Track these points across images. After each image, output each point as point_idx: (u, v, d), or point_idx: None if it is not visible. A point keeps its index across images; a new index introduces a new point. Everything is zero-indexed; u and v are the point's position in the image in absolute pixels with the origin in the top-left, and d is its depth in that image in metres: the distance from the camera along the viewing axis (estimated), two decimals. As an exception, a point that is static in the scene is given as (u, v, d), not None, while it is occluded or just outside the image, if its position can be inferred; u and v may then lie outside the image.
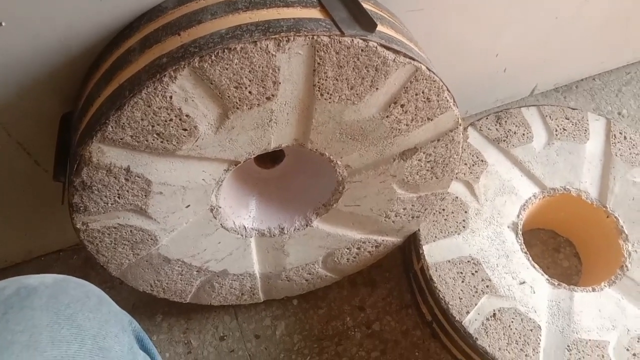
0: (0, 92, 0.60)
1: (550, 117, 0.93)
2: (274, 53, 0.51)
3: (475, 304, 0.77)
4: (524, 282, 0.78)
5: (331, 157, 0.65)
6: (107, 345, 0.39)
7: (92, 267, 0.92)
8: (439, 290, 0.78)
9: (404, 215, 0.77)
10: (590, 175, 0.88)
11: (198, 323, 0.89)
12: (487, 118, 0.93)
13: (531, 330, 0.75)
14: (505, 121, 0.92)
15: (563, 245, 0.98)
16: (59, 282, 0.41)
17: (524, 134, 0.91)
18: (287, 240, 0.76)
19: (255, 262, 0.78)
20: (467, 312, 0.76)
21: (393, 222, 0.78)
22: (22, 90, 0.60)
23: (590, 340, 0.74)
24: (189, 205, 0.64)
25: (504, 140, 0.90)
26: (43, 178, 0.74)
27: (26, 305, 0.37)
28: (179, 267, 0.72)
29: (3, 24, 0.53)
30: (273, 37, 0.50)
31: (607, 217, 0.86)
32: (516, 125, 0.92)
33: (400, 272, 0.94)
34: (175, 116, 0.53)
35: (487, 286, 0.78)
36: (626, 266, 0.81)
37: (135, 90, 0.50)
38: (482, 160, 0.88)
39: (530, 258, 0.81)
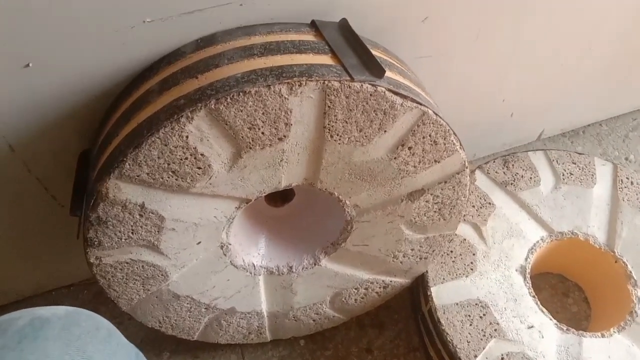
0: (23, 129, 0.62)
1: (557, 161, 0.94)
2: (286, 96, 0.53)
3: (483, 348, 0.76)
4: (532, 327, 0.78)
5: (340, 196, 0.67)
6: (116, 376, 0.40)
7: (102, 302, 0.93)
8: (447, 333, 0.77)
9: (412, 256, 0.78)
10: (598, 220, 0.89)
11: (205, 362, 0.89)
12: (494, 161, 0.94)
13: (540, 375, 0.74)
14: (513, 165, 0.93)
15: (572, 290, 0.98)
16: (71, 314, 0.42)
17: (531, 178, 0.92)
18: (295, 279, 0.77)
19: (263, 301, 0.79)
20: (475, 356, 0.76)
21: (401, 262, 0.78)
22: (44, 128, 0.63)
23: (600, 387, 0.73)
24: (200, 242, 0.66)
25: (511, 184, 0.91)
26: (58, 213, 0.76)
27: (39, 335, 0.38)
28: (187, 303, 0.73)
29: (30, 64, 0.56)
30: (286, 81, 0.52)
31: (616, 261, 0.86)
32: (523, 169, 0.93)
33: (408, 314, 0.94)
34: (191, 155, 0.55)
35: (495, 330, 0.78)
36: (636, 312, 0.80)
37: (154, 130, 0.52)
38: (489, 203, 0.89)
39: (539, 302, 0.81)
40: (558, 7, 0.82)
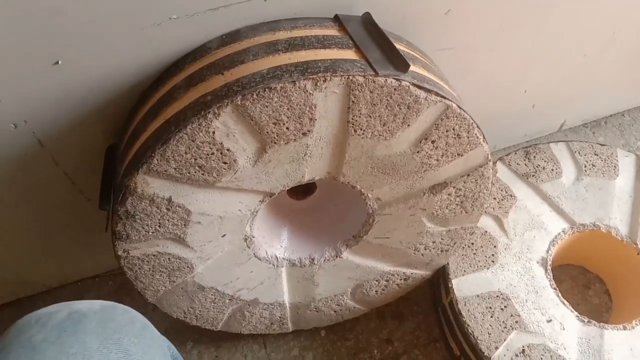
0: (52, 125, 0.63)
1: (579, 153, 0.94)
2: (311, 92, 0.54)
3: (505, 340, 0.77)
4: (550, 320, 0.78)
5: (362, 190, 0.67)
6: (151, 369, 0.41)
7: (126, 293, 0.95)
8: (468, 325, 0.78)
9: (433, 248, 0.78)
10: (620, 212, 0.88)
11: (227, 351, 0.90)
12: (515, 153, 0.94)
13: (561, 367, 0.74)
14: (534, 156, 0.93)
15: (593, 282, 0.97)
16: (106, 308, 0.43)
17: (552, 170, 0.92)
18: (317, 270, 0.78)
19: (285, 292, 0.80)
20: (496, 348, 0.76)
21: (422, 255, 0.79)
22: (72, 123, 0.64)
23: (622, 379, 0.74)
24: (224, 235, 0.67)
25: (532, 176, 0.91)
26: (85, 206, 0.78)
27: (78, 329, 0.39)
28: (212, 295, 0.74)
29: (60, 62, 0.57)
30: (311, 77, 0.53)
31: (638, 253, 0.85)
32: (545, 161, 0.93)
33: (428, 306, 0.95)
34: (217, 150, 0.55)
35: (517, 322, 0.78)
36: (658, 304, 0.80)
37: (181, 126, 0.53)
38: (511, 195, 0.89)
39: (560, 294, 0.81)
40: (581, -2, 0.81)
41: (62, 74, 0.58)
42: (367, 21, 0.61)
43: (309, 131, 0.57)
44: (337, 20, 0.61)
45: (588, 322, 0.79)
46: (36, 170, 0.69)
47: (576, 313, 0.79)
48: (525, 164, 0.92)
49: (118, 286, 0.97)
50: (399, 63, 0.56)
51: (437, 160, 0.65)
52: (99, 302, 0.44)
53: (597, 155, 0.94)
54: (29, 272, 0.89)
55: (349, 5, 0.63)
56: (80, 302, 0.43)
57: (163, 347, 0.45)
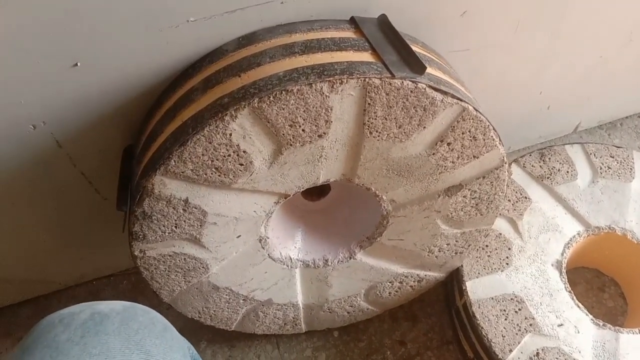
0: (70, 126, 0.64)
1: (594, 155, 0.93)
2: (327, 94, 0.54)
3: (519, 343, 0.76)
4: (562, 325, 0.77)
5: (377, 191, 0.67)
6: (172, 370, 0.41)
7: (140, 293, 0.96)
8: (482, 328, 0.78)
9: (448, 250, 0.78)
10: (636, 215, 0.87)
11: (241, 351, 0.91)
12: (530, 155, 0.93)
13: (576, 371, 0.74)
14: (549, 158, 0.93)
15: (608, 285, 0.97)
16: (128, 309, 0.44)
17: (568, 172, 0.91)
18: (330, 272, 0.78)
19: (299, 293, 0.80)
20: (510, 351, 0.76)
21: (436, 257, 0.79)
22: (89, 124, 0.65)
23: (638, 383, 0.73)
24: (239, 236, 0.67)
25: (547, 178, 0.91)
26: (102, 206, 0.79)
27: (100, 330, 0.40)
28: (226, 295, 0.75)
29: (78, 64, 0.57)
30: (327, 79, 0.53)
31: (654, 257, 0.85)
32: (560, 163, 0.92)
33: (442, 308, 0.94)
34: (234, 152, 0.56)
35: (531, 325, 0.77)
36: (675, 308, 0.79)
37: (198, 128, 0.53)
38: (525, 197, 0.89)
39: (575, 297, 0.80)
40: (598, -1, 0.81)
41: (81, 75, 0.59)
42: (383, 23, 0.61)
43: (324, 133, 0.57)
44: (353, 22, 0.62)
45: (603, 325, 0.78)
46: (54, 170, 0.70)
47: (591, 316, 0.79)
48: (540, 166, 0.92)
49: (132, 285, 0.98)
50: (416, 65, 0.56)
51: (453, 162, 0.64)
52: (121, 302, 0.45)
53: (612, 157, 0.93)
54: (46, 270, 0.90)
55: (364, 7, 0.63)
56: (102, 302, 0.44)
57: (184, 348, 0.46)
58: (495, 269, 0.82)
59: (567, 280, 0.82)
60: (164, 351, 0.42)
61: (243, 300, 0.77)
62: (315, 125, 0.56)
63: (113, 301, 0.44)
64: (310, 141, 0.58)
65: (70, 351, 0.38)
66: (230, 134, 0.54)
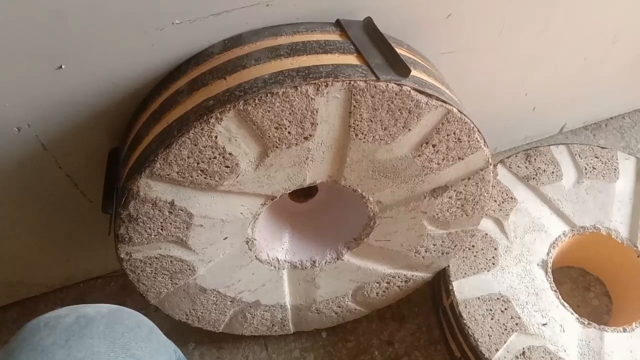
0: (55, 128, 0.64)
1: (579, 155, 0.94)
2: (313, 97, 0.54)
3: (505, 342, 0.77)
4: (545, 324, 0.78)
5: (363, 193, 0.68)
6: (157, 373, 0.41)
7: (128, 295, 0.95)
8: (469, 327, 0.78)
9: (434, 251, 0.79)
10: (621, 215, 0.88)
11: (229, 352, 0.91)
12: (516, 156, 0.94)
13: (561, 369, 0.75)
14: (535, 159, 0.93)
15: (593, 284, 0.98)
16: (114, 312, 0.43)
17: (553, 172, 0.92)
18: (318, 273, 0.78)
19: (286, 294, 0.80)
20: (497, 350, 0.76)
21: (423, 257, 0.79)
22: (75, 126, 0.64)
23: (622, 381, 0.74)
24: (226, 238, 0.67)
25: (533, 178, 0.91)
26: (88, 208, 0.78)
27: (86, 333, 0.40)
28: (214, 297, 0.75)
29: (63, 66, 0.57)
30: (313, 82, 0.53)
31: (638, 256, 0.86)
32: (545, 164, 0.93)
33: (429, 308, 0.95)
34: (219, 154, 0.56)
35: (517, 324, 0.78)
36: (658, 307, 0.80)
37: (184, 130, 0.53)
38: (511, 198, 0.89)
39: (560, 296, 0.81)
40: (583, 1, 0.81)
41: (66, 78, 0.58)
42: (369, 26, 0.62)
43: (310, 135, 0.58)
44: (338, 25, 0.62)
45: (588, 324, 0.79)
46: (39, 173, 0.69)
47: (576, 315, 0.80)
48: (526, 167, 0.93)
49: (120, 287, 0.97)
50: (400, 68, 0.56)
51: (438, 164, 0.65)
52: (107, 306, 0.45)
53: (597, 157, 0.94)
54: (32, 273, 0.90)
55: (350, 10, 0.64)
56: (88, 305, 0.44)
57: (169, 350, 0.46)
58: (481, 268, 0.83)
59: (552, 279, 0.83)
60: (150, 354, 0.42)
61: (230, 302, 0.77)
62: (301, 128, 0.57)
63: (99, 304, 0.44)
64: (296, 143, 0.58)
65: (55, 355, 0.38)
66: (216, 137, 0.54)
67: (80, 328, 0.40)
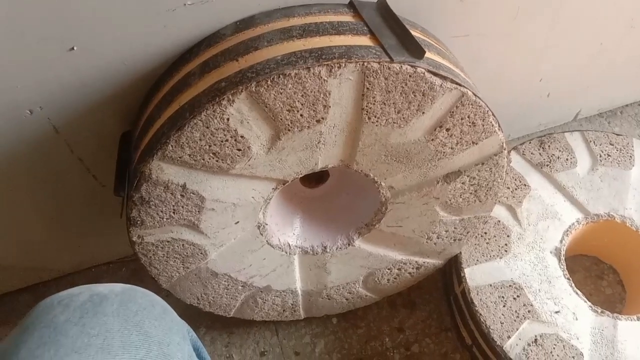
0: (67, 111, 0.64)
1: (594, 142, 0.93)
2: (325, 78, 0.53)
3: (517, 329, 0.76)
4: (558, 312, 0.77)
5: (375, 178, 0.67)
6: (171, 352, 0.41)
7: (140, 280, 0.96)
8: (480, 314, 0.78)
9: (446, 237, 0.78)
10: (635, 202, 0.87)
11: (240, 337, 0.91)
12: (530, 142, 0.93)
13: (573, 357, 0.74)
14: (549, 146, 0.92)
15: (606, 272, 0.97)
16: (127, 291, 0.43)
17: (567, 159, 0.91)
18: (329, 258, 0.78)
19: (297, 279, 0.80)
20: (509, 337, 0.76)
21: (435, 244, 0.79)
22: (86, 109, 0.64)
23: (635, 369, 0.73)
24: (238, 222, 0.67)
25: (547, 165, 0.90)
26: (99, 192, 0.78)
27: (99, 311, 0.40)
28: (225, 281, 0.75)
29: (75, 48, 0.57)
30: (325, 63, 0.52)
31: (653, 245, 0.85)
32: (560, 150, 0.92)
33: (440, 295, 0.94)
34: (231, 137, 0.55)
35: (529, 311, 0.78)
36: (673, 295, 0.79)
37: (196, 112, 0.53)
38: (525, 185, 0.88)
39: (573, 284, 0.80)
40: (600, -16, 0.80)
41: (77, 60, 0.58)
42: (382, 7, 0.61)
43: (322, 118, 0.57)
44: (351, 6, 0.61)
45: (601, 312, 0.78)
46: (51, 156, 0.69)
47: (589, 303, 0.79)
48: (540, 154, 0.92)
49: (131, 273, 0.98)
50: (415, 49, 0.55)
51: (452, 148, 0.64)
52: (120, 285, 0.45)
53: (612, 145, 0.93)
54: (44, 258, 0.90)
55: (363, -9, 0.63)
56: (101, 284, 0.44)
57: (183, 330, 0.46)
58: (494, 256, 0.82)
59: (565, 267, 0.82)
60: (163, 333, 0.42)
61: (242, 286, 0.77)
62: (314, 110, 0.56)
63: (112, 283, 0.44)
64: (308, 126, 0.57)
65: (69, 332, 0.38)
66: (228, 119, 0.54)
67: (93, 306, 0.40)
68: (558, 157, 0.91)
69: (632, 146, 0.92)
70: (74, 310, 0.40)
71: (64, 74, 0.59)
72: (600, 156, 0.91)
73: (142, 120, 0.62)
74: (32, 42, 0.55)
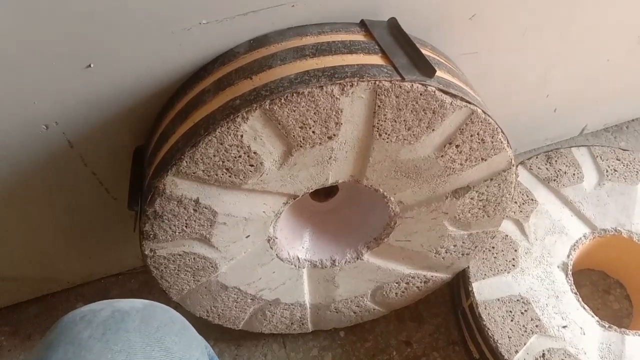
0: (82, 126, 0.65)
1: (601, 157, 0.93)
2: (338, 97, 0.54)
3: (525, 344, 0.77)
4: (565, 326, 0.78)
5: (385, 193, 0.68)
6: (191, 367, 0.42)
7: (149, 291, 0.97)
8: (488, 329, 0.78)
9: (454, 252, 0.78)
10: (643, 217, 0.88)
11: (248, 350, 0.91)
12: (537, 157, 0.94)
13: (582, 372, 0.74)
14: (556, 161, 0.93)
15: (613, 287, 0.97)
16: (148, 307, 0.44)
17: (574, 174, 0.92)
18: (337, 272, 0.78)
19: (306, 293, 0.81)
20: (516, 352, 0.76)
21: (443, 258, 0.79)
22: (101, 124, 0.65)
23: (643, 385, 0.73)
24: (249, 236, 0.68)
25: (554, 180, 0.91)
26: (111, 205, 0.79)
27: (122, 327, 0.41)
28: (235, 294, 0.75)
29: (92, 65, 0.58)
30: (338, 82, 0.53)
31: (660, 260, 0.85)
32: (566, 165, 0.92)
33: (448, 309, 0.95)
34: (244, 153, 0.56)
35: (537, 326, 0.78)
36: (681, 311, 0.79)
37: (210, 129, 0.54)
38: (532, 199, 0.89)
39: (580, 299, 0.81)
40: (607, 2, 0.81)
41: (94, 76, 0.59)
42: (393, 26, 0.62)
43: (334, 135, 0.58)
44: (363, 25, 0.62)
45: (609, 327, 0.78)
46: (65, 170, 0.70)
47: (597, 318, 0.79)
48: (547, 168, 0.92)
49: (140, 284, 0.98)
50: (425, 68, 0.56)
51: (461, 164, 0.65)
52: (140, 301, 0.45)
53: (619, 160, 0.93)
54: (55, 269, 0.91)
55: (374, 10, 0.64)
56: (121, 300, 0.45)
57: (201, 346, 0.46)
58: (501, 270, 0.83)
59: (573, 282, 0.82)
60: (184, 349, 0.42)
61: (251, 299, 0.78)
62: (326, 127, 0.57)
63: (132, 299, 0.45)
64: (320, 143, 0.58)
65: (93, 347, 0.38)
66: (242, 135, 0.55)
67: (116, 322, 0.41)
68: (565, 172, 0.92)
69: (638, 161, 0.93)
70: (96, 326, 0.40)
71: (80, 90, 0.60)
72: (607, 171, 0.92)
73: (156, 136, 0.63)
74: (49, 59, 0.56)
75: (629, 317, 0.94)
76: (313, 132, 0.57)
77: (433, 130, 0.60)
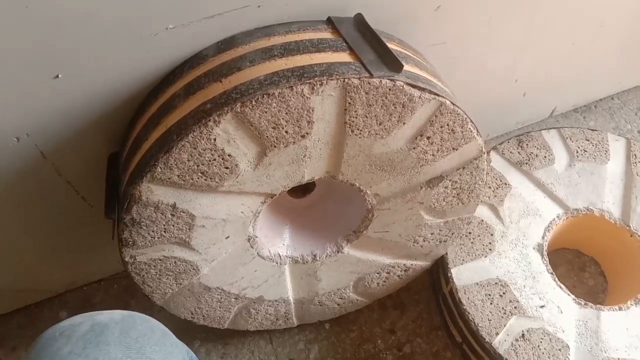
0: (54, 136, 0.64)
1: (570, 139, 0.95)
2: (308, 96, 0.55)
3: (505, 325, 0.79)
4: (543, 306, 0.80)
5: (361, 187, 0.69)
6: (172, 374, 0.42)
7: (132, 296, 0.97)
8: (469, 312, 0.80)
9: (432, 240, 0.80)
10: (613, 195, 0.90)
11: (234, 348, 0.92)
12: (508, 142, 0.95)
13: (560, 350, 0.77)
14: (527, 144, 0.95)
15: (588, 264, 1.00)
16: (126, 318, 0.45)
17: (545, 157, 0.94)
18: (319, 266, 0.79)
19: (289, 288, 0.82)
20: (497, 333, 0.78)
21: (421, 246, 0.81)
22: (74, 134, 0.65)
23: (618, 358, 0.76)
24: (228, 237, 0.68)
25: (526, 163, 0.93)
26: (89, 213, 0.79)
27: (101, 340, 0.41)
28: (218, 294, 0.76)
29: (60, 75, 0.58)
30: (308, 81, 0.54)
31: (631, 235, 0.88)
32: (537, 148, 0.94)
33: (429, 295, 0.97)
34: (219, 156, 0.57)
35: (515, 307, 0.80)
36: (652, 284, 0.82)
37: (183, 134, 0.54)
38: (505, 184, 0.91)
39: (557, 279, 0.83)
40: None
41: (63, 87, 0.59)
42: (360, 22, 0.63)
43: (307, 134, 0.59)
44: (330, 22, 0.63)
45: (585, 304, 0.81)
46: (39, 180, 0.70)
47: (573, 296, 0.82)
48: (519, 152, 0.94)
49: (123, 289, 0.98)
50: (393, 63, 0.57)
51: (433, 155, 0.66)
52: (119, 312, 0.46)
53: (588, 140, 0.95)
54: (36, 279, 0.91)
55: (341, 7, 0.64)
56: (101, 312, 0.45)
57: (182, 352, 0.47)
58: (479, 255, 0.85)
59: (548, 262, 0.85)
60: (164, 356, 0.43)
61: (234, 298, 0.78)
62: (298, 127, 0.58)
63: (111, 311, 0.45)
64: (293, 142, 0.59)
65: None
66: (215, 139, 0.55)
67: (95, 335, 0.41)
68: (536, 155, 0.94)
69: (607, 141, 0.95)
70: (76, 341, 0.41)
71: (50, 101, 0.60)
72: (577, 152, 0.94)
73: (130, 142, 0.63)
74: (17, 71, 0.55)
75: (604, 293, 0.97)
76: (286, 132, 0.57)
77: (404, 123, 0.61)
